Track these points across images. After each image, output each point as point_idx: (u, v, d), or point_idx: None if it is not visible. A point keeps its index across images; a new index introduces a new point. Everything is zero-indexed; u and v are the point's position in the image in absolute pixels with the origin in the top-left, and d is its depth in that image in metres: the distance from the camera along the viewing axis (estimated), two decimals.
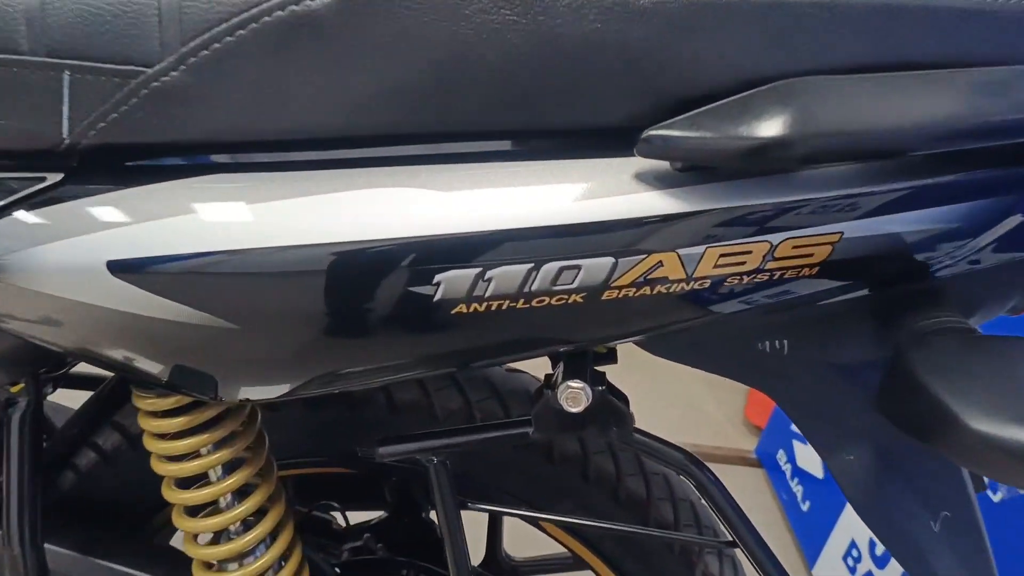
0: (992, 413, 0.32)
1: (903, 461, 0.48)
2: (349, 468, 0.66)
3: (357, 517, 0.83)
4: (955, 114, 0.34)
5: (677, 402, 2.13)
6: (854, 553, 1.41)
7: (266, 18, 0.34)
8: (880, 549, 1.34)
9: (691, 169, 0.36)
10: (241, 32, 0.34)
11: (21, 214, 0.38)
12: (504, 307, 0.37)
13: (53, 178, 0.38)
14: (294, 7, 0.34)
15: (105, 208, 0.37)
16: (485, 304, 0.37)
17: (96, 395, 0.66)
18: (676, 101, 0.36)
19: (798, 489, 1.70)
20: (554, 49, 0.35)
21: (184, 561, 0.55)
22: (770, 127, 0.33)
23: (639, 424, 0.49)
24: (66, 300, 0.38)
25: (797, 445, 1.74)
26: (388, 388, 0.62)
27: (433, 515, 0.77)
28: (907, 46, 0.36)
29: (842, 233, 0.37)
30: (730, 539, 0.53)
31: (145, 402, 0.44)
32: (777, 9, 0.35)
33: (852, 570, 1.42)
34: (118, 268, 0.36)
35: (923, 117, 0.34)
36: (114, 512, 0.64)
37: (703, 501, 0.55)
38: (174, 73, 0.35)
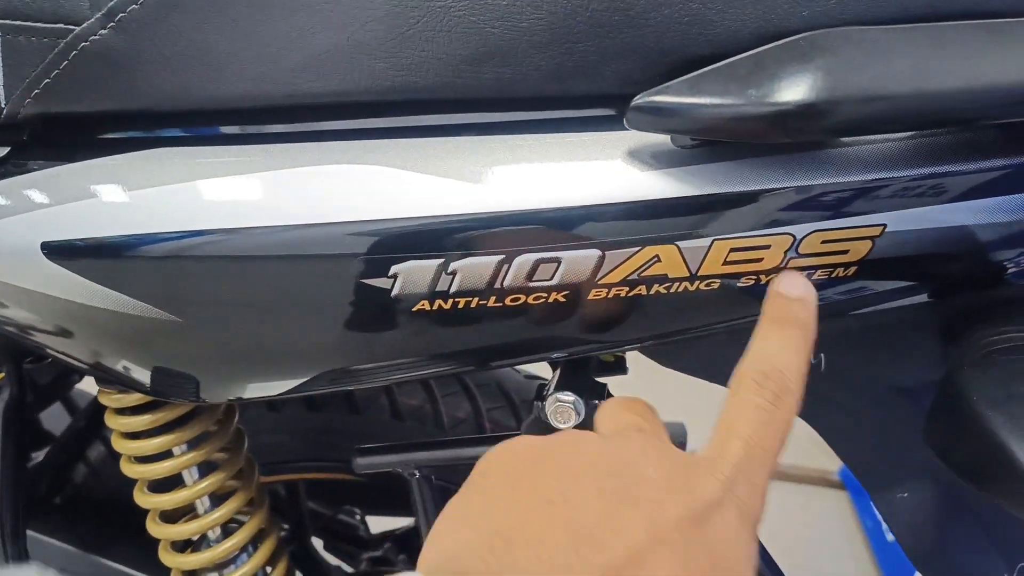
0: None
1: (971, 502, 0.40)
2: (350, 475, 0.62)
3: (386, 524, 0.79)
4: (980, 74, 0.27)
5: None
6: None
7: None
8: None
9: (694, 146, 0.30)
10: None
11: None
12: (473, 305, 0.32)
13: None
14: None
15: (37, 185, 0.33)
16: (451, 301, 0.32)
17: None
18: (677, 60, 0.30)
19: None
20: (531, 8, 0.29)
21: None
22: (791, 90, 0.26)
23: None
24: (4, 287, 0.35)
25: None
26: (392, 393, 0.58)
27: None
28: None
29: (885, 226, 0.30)
30: None
31: (110, 398, 0.41)
32: None
33: None
34: (52, 251, 0.33)
35: (988, 76, 0.27)
36: (121, 508, 0.62)
37: None
38: (103, 32, 0.31)
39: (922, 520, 0.40)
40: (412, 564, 0.72)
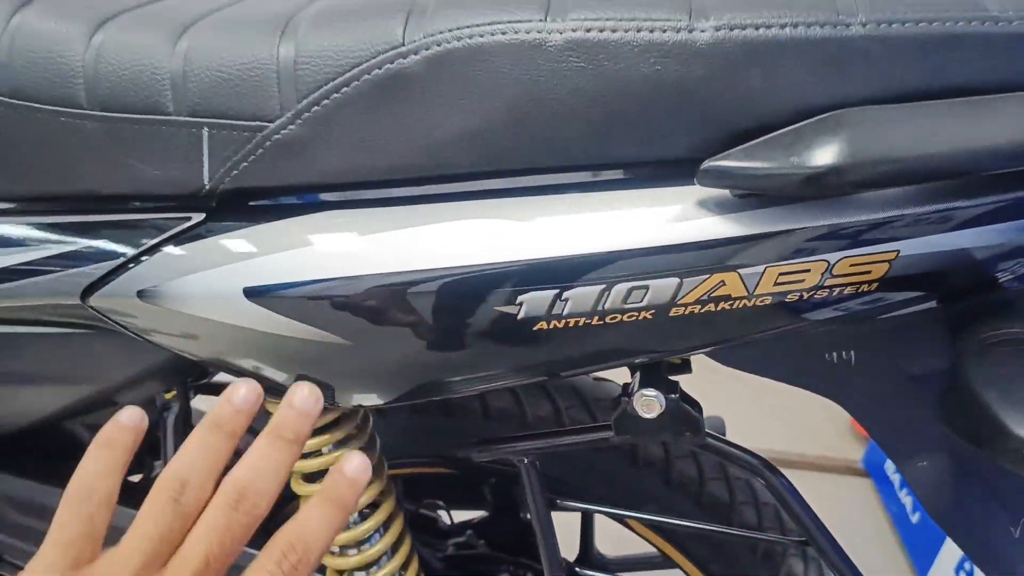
0: None
1: (980, 467, 0.49)
2: (450, 469, 0.71)
3: (459, 516, 0.89)
4: (1010, 136, 0.36)
5: (781, 411, 2.10)
6: (966, 567, 1.36)
7: (366, 76, 0.40)
8: None
9: (749, 195, 0.39)
10: (346, 89, 0.40)
11: (171, 249, 0.45)
12: (580, 324, 0.41)
13: (196, 217, 0.45)
14: (389, 65, 0.39)
15: (239, 242, 0.43)
16: (564, 321, 0.41)
17: None
18: (733, 133, 0.39)
19: (907, 500, 1.65)
20: (619, 89, 0.39)
21: None
22: (822, 156, 0.35)
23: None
24: (207, 323, 0.45)
25: None
26: (484, 396, 0.67)
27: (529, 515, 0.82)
28: (961, 73, 0.38)
29: (898, 251, 0.39)
30: (803, 539, 0.55)
31: (275, 407, 0.51)
32: (831, 43, 0.37)
33: None
34: (253, 295, 0.43)
35: (975, 141, 0.36)
36: None
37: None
38: (292, 127, 0.41)
39: (940, 484, 0.48)
40: (492, 549, 0.81)
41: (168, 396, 0.58)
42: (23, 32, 0.46)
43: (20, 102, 0.46)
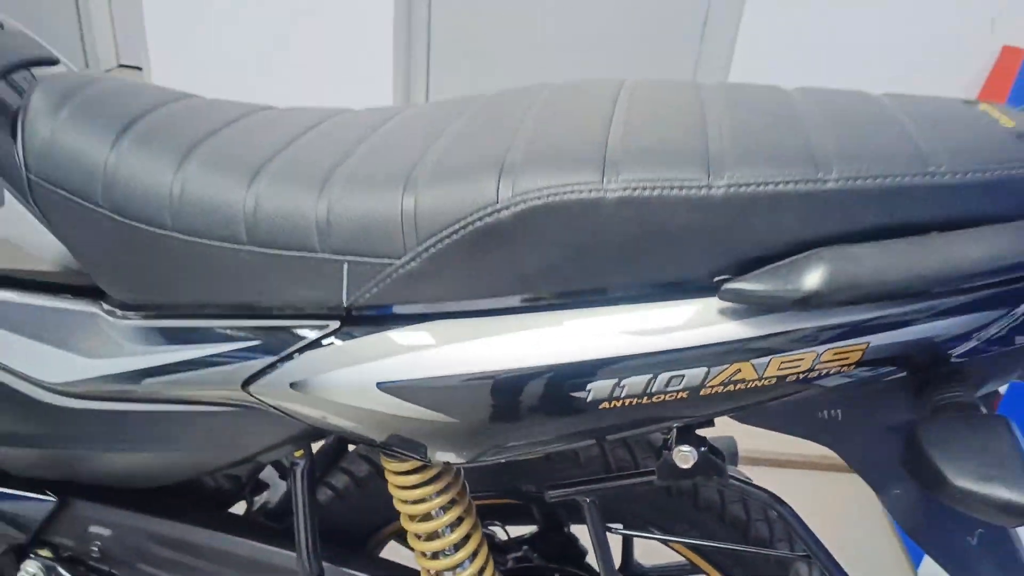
0: (971, 475, 0.48)
1: None
2: (513, 499, 0.86)
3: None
4: (948, 265, 0.50)
5: None
6: None
7: (470, 226, 0.53)
8: None
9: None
10: (455, 236, 0.54)
11: (317, 350, 0.59)
12: (633, 403, 0.55)
13: (333, 325, 0.59)
14: (488, 219, 0.53)
15: (371, 346, 0.57)
16: (620, 401, 0.55)
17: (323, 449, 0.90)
18: (743, 261, 0.53)
19: None
20: (659, 232, 0.52)
21: (397, 569, 0.77)
22: (807, 284, 0.49)
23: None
24: (346, 407, 0.59)
25: None
26: None
27: (573, 529, 0.96)
28: (911, 215, 0.51)
29: (869, 343, 0.53)
30: (805, 554, 0.69)
31: (391, 464, 0.65)
32: (813, 196, 0.51)
33: None
34: (384, 387, 0.57)
35: (921, 270, 0.49)
36: (346, 529, 0.87)
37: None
38: (413, 263, 0.55)
39: (911, 508, 0.62)
40: (544, 560, 0.95)
41: (296, 454, 0.72)
42: (191, 182, 0.60)
43: (193, 239, 0.60)
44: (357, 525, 0.88)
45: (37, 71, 0.73)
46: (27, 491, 0.81)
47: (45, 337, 0.69)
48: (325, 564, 0.77)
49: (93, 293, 0.69)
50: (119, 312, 0.67)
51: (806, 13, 2.02)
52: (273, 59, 2.36)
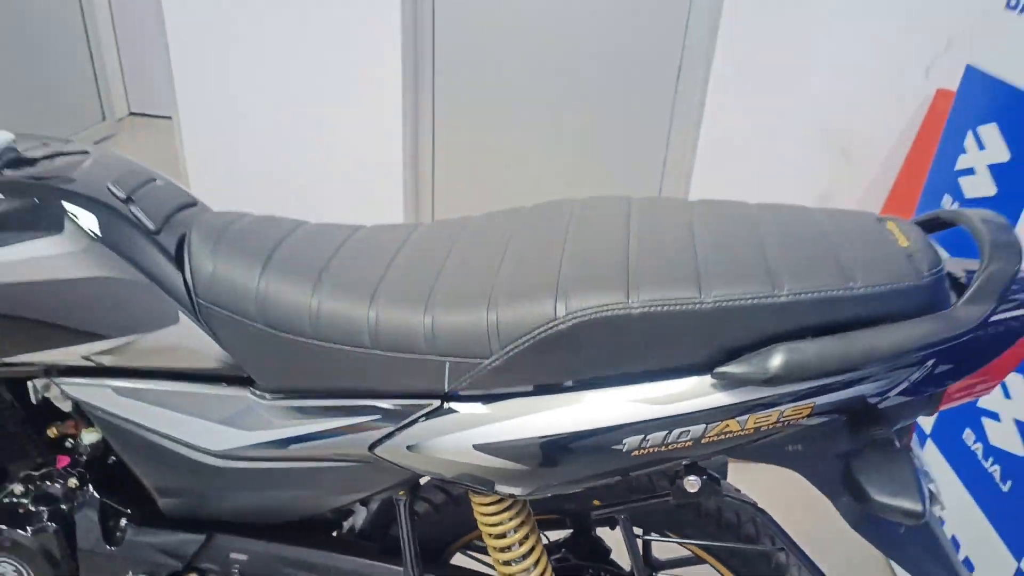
0: (885, 492, 0.72)
1: None
2: (558, 515, 1.10)
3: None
4: (871, 352, 0.74)
5: None
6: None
7: (539, 335, 0.77)
8: None
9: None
10: (528, 343, 0.77)
11: (424, 422, 0.82)
12: (654, 450, 0.79)
13: (436, 403, 0.83)
14: (551, 331, 0.76)
15: (467, 418, 0.81)
16: (646, 449, 0.79)
17: None
18: (727, 350, 0.77)
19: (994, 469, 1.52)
20: (669, 335, 0.76)
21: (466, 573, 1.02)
22: (771, 368, 0.73)
23: None
24: (450, 462, 0.82)
25: (987, 422, 1.55)
26: None
27: (598, 531, 1.20)
28: (843, 316, 0.75)
29: (815, 403, 0.77)
30: (781, 547, 0.93)
31: (478, 499, 0.89)
32: (771, 306, 0.75)
33: None
34: (478, 447, 0.80)
35: (851, 356, 0.73)
36: (425, 544, 1.11)
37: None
38: (497, 362, 0.78)
39: (856, 509, 0.86)
40: (578, 559, 1.19)
41: (400, 493, 0.95)
42: (325, 302, 0.83)
43: (328, 344, 0.83)
44: (435, 540, 1.11)
45: (186, 214, 0.96)
46: (182, 530, 1.03)
47: (208, 416, 0.92)
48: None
49: (243, 382, 0.92)
50: (268, 396, 0.90)
51: (758, 61, 2.25)
52: (299, 98, 2.50)
